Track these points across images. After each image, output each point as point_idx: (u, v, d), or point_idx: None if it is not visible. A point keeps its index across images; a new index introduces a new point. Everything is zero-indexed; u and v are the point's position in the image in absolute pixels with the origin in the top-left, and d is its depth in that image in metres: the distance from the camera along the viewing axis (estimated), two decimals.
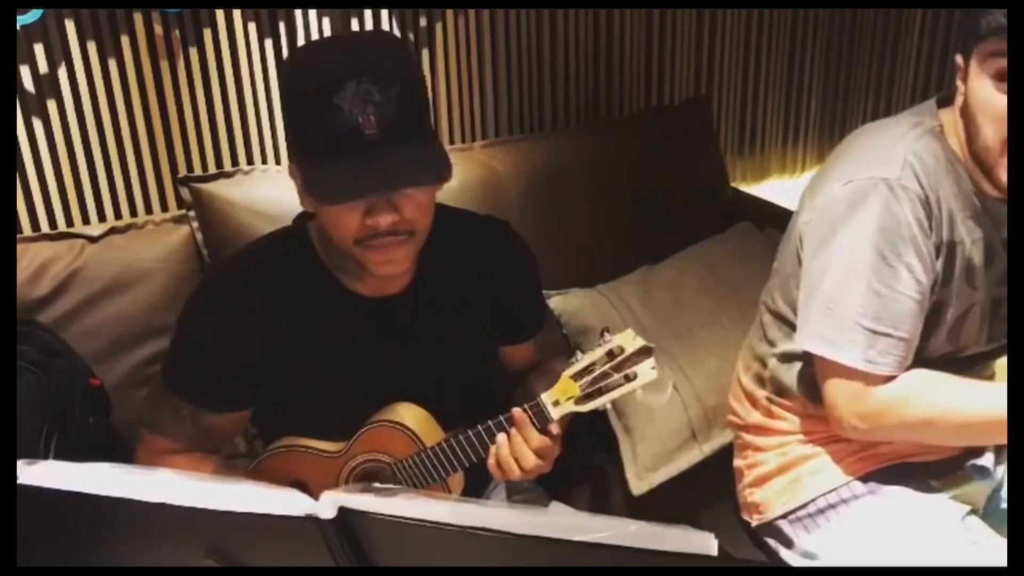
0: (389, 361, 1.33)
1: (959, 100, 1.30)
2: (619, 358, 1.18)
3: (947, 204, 1.31)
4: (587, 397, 1.21)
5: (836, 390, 1.34)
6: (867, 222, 1.29)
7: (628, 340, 1.18)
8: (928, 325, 1.33)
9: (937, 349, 1.37)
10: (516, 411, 1.23)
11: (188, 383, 1.31)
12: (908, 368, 1.32)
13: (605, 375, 1.19)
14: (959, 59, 1.28)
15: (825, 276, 1.33)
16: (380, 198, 1.15)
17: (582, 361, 1.20)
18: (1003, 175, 1.24)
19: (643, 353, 1.18)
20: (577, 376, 1.21)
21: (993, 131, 1.23)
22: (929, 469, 1.44)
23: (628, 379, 1.19)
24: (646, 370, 1.19)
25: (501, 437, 1.24)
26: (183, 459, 1.33)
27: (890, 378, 1.31)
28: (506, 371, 1.50)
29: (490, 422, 1.25)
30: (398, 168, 1.12)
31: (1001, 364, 1.52)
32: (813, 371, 1.39)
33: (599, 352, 1.19)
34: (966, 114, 1.28)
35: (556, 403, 1.22)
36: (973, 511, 1.42)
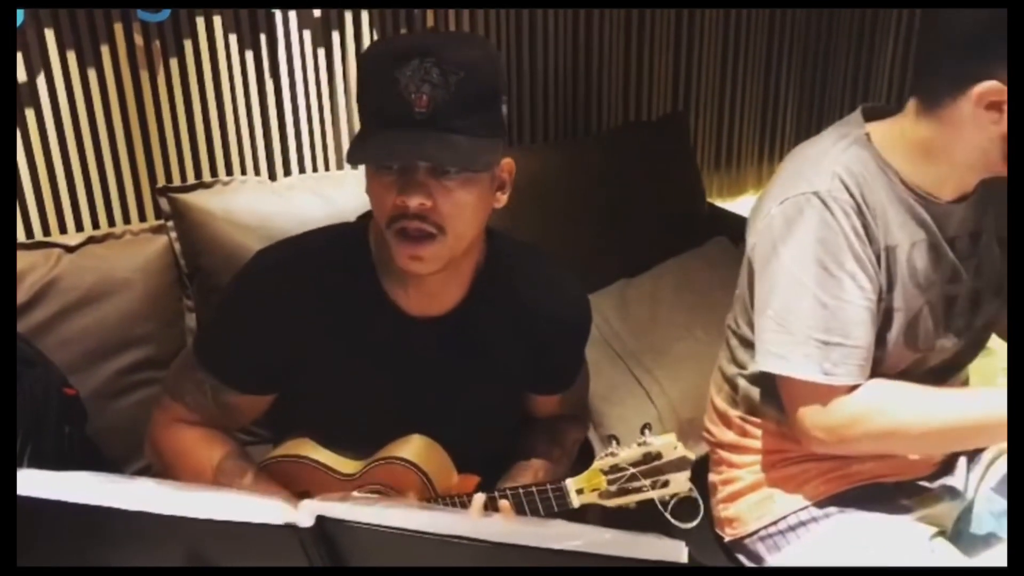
0: (418, 384, 1.31)
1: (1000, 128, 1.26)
2: (655, 463, 1.16)
3: (881, 209, 1.33)
4: (613, 494, 1.18)
5: (799, 406, 1.35)
6: (805, 237, 1.31)
7: (669, 448, 1.16)
8: (881, 331, 1.35)
9: (898, 357, 1.38)
10: (537, 489, 1.22)
11: (215, 357, 1.30)
12: (870, 377, 1.33)
13: (636, 477, 1.16)
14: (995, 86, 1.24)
15: (772, 295, 1.35)
16: (414, 178, 1.14)
17: (617, 458, 1.17)
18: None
19: (681, 463, 1.16)
20: (608, 471, 1.18)
21: (999, 150, 1.25)
22: (901, 489, 1.46)
23: (658, 485, 1.16)
24: (680, 481, 1.16)
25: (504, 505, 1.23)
26: (196, 432, 1.32)
27: (852, 389, 1.32)
28: (527, 417, 1.47)
29: (507, 490, 1.24)
30: (431, 148, 1.12)
31: (976, 367, 1.54)
32: None
33: (636, 452, 1.17)
34: (950, 137, 1.28)
35: (580, 491, 1.20)
36: (941, 532, 1.44)
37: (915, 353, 1.39)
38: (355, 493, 1.30)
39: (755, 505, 1.50)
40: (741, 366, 1.51)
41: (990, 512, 1.50)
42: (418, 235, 1.16)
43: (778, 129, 2.79)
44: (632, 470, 1.17)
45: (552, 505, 1.23)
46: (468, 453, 1.33)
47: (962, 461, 1.53)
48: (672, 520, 1.18)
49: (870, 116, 1.39)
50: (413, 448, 1.29)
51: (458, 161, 1.13)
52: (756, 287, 1.40)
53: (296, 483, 1.31)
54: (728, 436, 1.55)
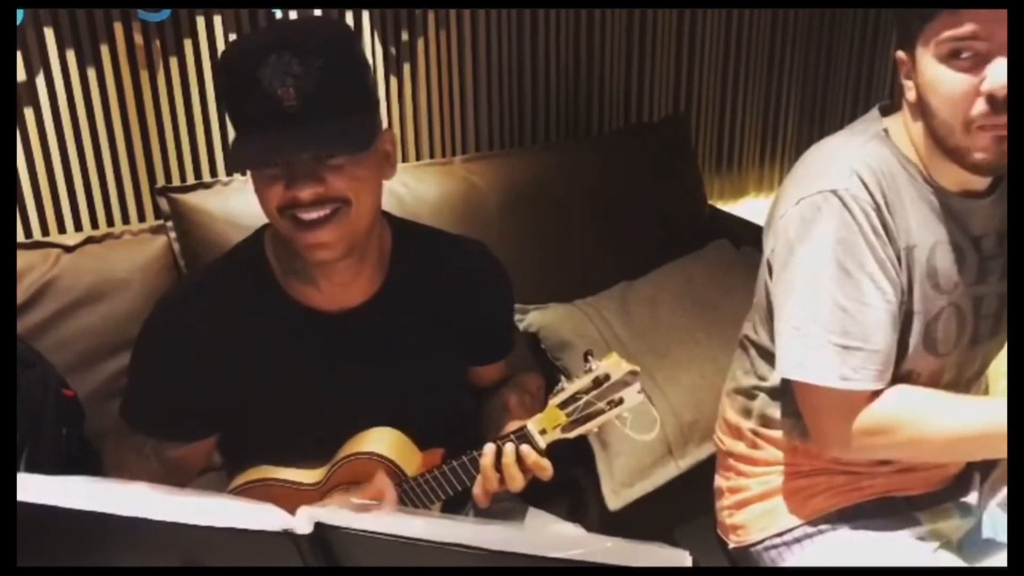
0: (353, 379, 1.30)
1: (910, 96, 1.27)
2: (605, 385, 1.18)
3: (902, 208, 1.29)
4: (573, 424, 1.20)
5: (819, 414, 1.31)
6: (824, 237, 1.26)
7: (614, 367, 1.18)
8: (900, 335, 1.30)
9: (916, 361, 1.33)
10: (500, 439, 1.22)
11: (148, 415, 1.29)
12: (890, 384, 1.29)
13: (591, 403, 1.18)
14: (901, 55, 1.26)
15: (790, 298, 1.30)
16: (301, 169, 1.14)
17: (568, 390, 1.19)
18: (977, 155, 1.20)
19: (629, 378, 1.18)
20: (563, 404, 1.20)
21: (952, 112, 1.19)
22: (911, 503, 1.43)
23: (614, 404, 1.18)
24: (632, 394, 1.18)
25: (488, 461, 1.22)
26: None
27: (873, 397, 1.28)
28: (473, 387, 1.49)
29: (475, 453, 1.24)
30: (312, 137, 1.12)
31: (993, 372, 1.51)
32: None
33: (585, 380, 1.18)
34: (920, 106, 1.25)
35: (543, 431, 1.21)
36: (946, 544, 1.42)
37: (935, 357, 1.34)
38: (329, 499, 1.30)
39: (761, 515, 1.48)
40: (761, 377, 1.46)
41: (993, 527, 1.48)
42: (317, 221, 1.16)
43: (780, 131, 2.78)
44: (586, 397, 1.19)
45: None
46: (424, 430, 1.33)
47: (976, 477, 1.50)
48: (631, 434, 1.22)
49: (887, 112, 1.36)
50: (370, 439, 1.29)
51: (338, 146, 1.13)
52: (773, 292, 1.35)
53: None
54: (739, 447, 1.53)
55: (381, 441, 1.29)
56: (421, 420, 1.32)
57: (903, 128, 1.32)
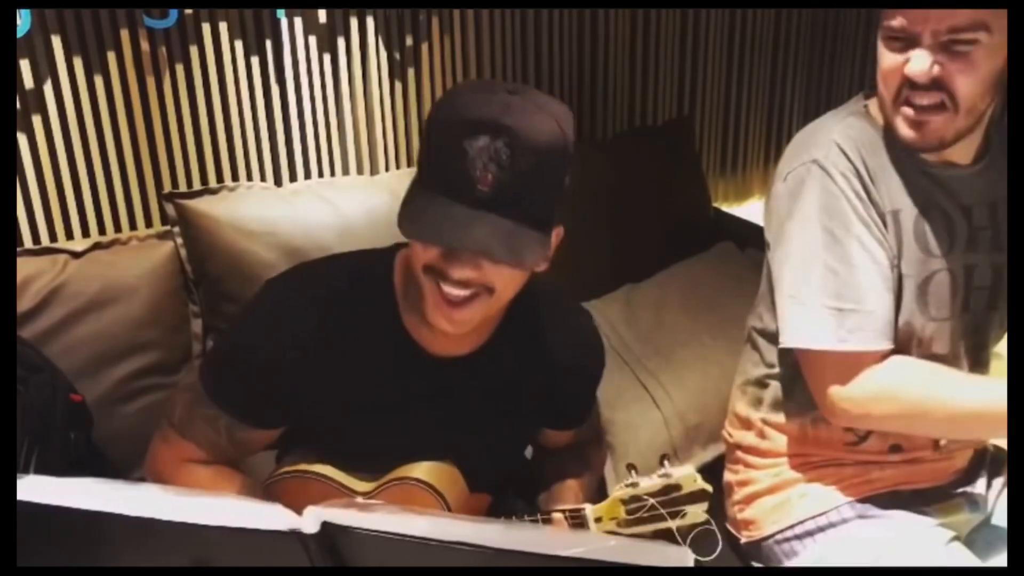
0: (433, 417, 1.29)
1: None
2: (674, 495, 1.17)
3: (883, 174, 1.34)
4: (630, 523, 1.19)
5: (824, 381, 1.34)
6: (809, 205, 1.32)
7: (688, 480, 1.17)
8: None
9: (913, 324, 1.36)
10: (556, 516, 1.22)
11: (230, 395, 1.26)
12: (894, 351, 1.32)
13: (654, 508, 1.17)
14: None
15: (784, 269, 1.35)
16: (462, 255, 1.10)
17: (637, 488, 1.18)
18: (903, 131, 1.30)
19: (699, 496, 1.17)
20: (628, 501, 1.19)
21: (885, 87, 1.31)
22: (920, 496, 1.45)
23: (675, 516, 1.17)
24: (697, 512, 1.17)
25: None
26: (207, 472, 1.29)
27: (878, 361, 1.31)
28: (539, 446, 1.48)
29: (527, 519, 1.23)
30: (484, 236, 1.07)
31: (997, 367, 1.52)
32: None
33: (656, 484, 1.17)
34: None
35: (599, 520, 1.20)
36: (956, 537, 1.43)
37: (930, 321, 1.37)
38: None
39: (772, 508, 1.49)
40: (770, 365, 1.49)
41: (1005, 525, 1.49)
42: (456, 300, 1.13)
43: (784, 133, 2.78)
44: (651, 500, 1.17)
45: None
46: (479, 475, 1.33)
47: (983, 473, 1.52)
48: (692, 553, 1.19)
49: (869, 97, 1.42)
50: (426, 469, 1.28)
51: (509, 255, 1.09)
52: (772, 268, 1.40)
53: (306, 499, 1.28)
54: (748, 439, 1.54)
55: (436, 473, 1.28)
56: (479, 465, 1.31)
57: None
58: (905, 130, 1.30)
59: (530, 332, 1.32)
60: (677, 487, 1.17)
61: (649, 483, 1.18)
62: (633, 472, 1.21)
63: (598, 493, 1.26)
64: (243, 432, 1.28)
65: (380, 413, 1.28)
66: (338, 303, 1.24)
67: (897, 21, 1.26)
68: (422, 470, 1.28)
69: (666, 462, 1.20)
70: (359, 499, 1.30)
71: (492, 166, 1.05)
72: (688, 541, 1.19)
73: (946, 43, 1.23)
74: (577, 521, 1.21)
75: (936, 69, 1.24)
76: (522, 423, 1.38)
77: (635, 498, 1.18)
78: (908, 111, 1.29)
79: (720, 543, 1.19)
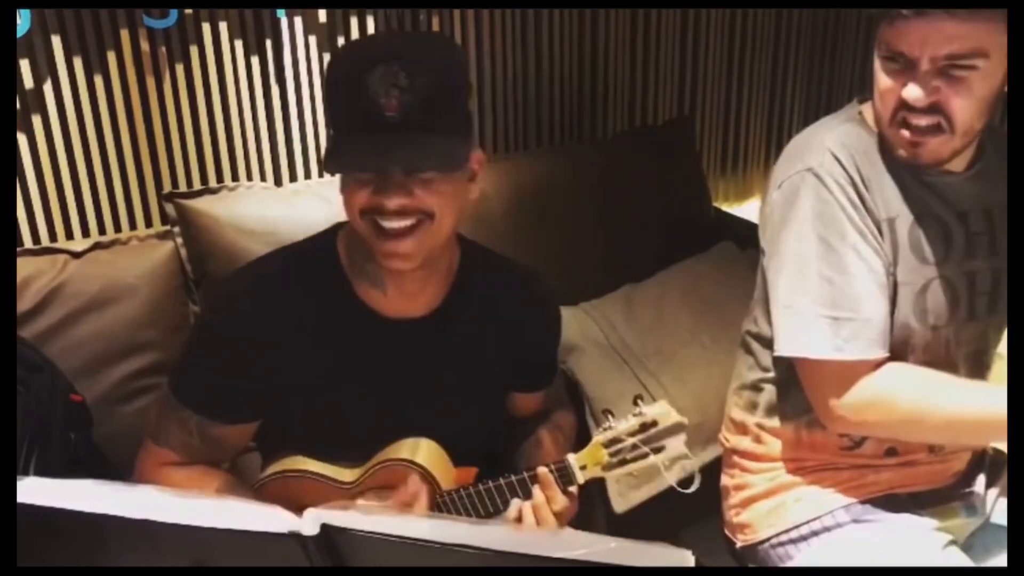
0: (403, 387, 1.32)
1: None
2: (651, 431, 1.19)
3: (878, 181, 1.33)
4: (614, 464, 1.21)
5: (820, 388, 1.34)
6: (804, 213, 1.31)
7: (663, 414, 1.19)
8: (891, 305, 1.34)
9: (910, 332, 1.36)
10: (541, 470, 1.24)
11: (197, 392, 1.29)
12: (890, 358, 1.32)
13: (635, 446, 1.20)
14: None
15: (779, 277, 1.35)
16: (391, 178, 1.16)
17: (614, 430, 1.20)
18: (898, 150, 1.30)
19: (676, 428, 1.19)
20: (608, 444, 1.21)
21: (881, 106, 1.30)
22: (916, 500, 1.44)
23: (657, 451, 1.19)
24: (676, 445, 1.19)
25: (518, 501, 1.25)
26: (186, 473, 1.31)
27: (874, 370, 1.30)
28: (509, 416, 1.49)
29: (513, 477, 1.25)
30: (408, 150, 1.14)
31: (999, 367, 1.51)
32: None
33: (632, 423, 1.20)
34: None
35: (583, 467, 1.22)
36: (953, 542, 1.42)
37: (928, 330, 1.37)
38: (360, 501, 1.31)
39: (768, 512, 1.49)
40: (765, 369, 1.49)
41: (1003, 528, 1.48)
42: (398, 231, 1.18)
43: (784, 133, 2.78)
44: (631, 440, 1.19)
45: (558, 483, 1.24)
46: (461, 448, 1.34)
47: (981, 475, 1.51)
48: (675, 486, 1.25)
49: (864, 102, 1.41)
50: (409, 447, 1.30)
51: (431, 163, 1.16)
52: (767, 275, 1.40)
53: (297, 497, 1.30)
54: (744, 443, 1.54)
55: (419, 450, 1.30)
56: (460, 437, 1.33)
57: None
58: (901, 149, 1.31)
59: (483, 292, 1.36)
60: (653, 423, 1.19)
61: (625, 424, 1.20)
62: (610, 416, 1.23)
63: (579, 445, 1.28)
64: (214, 429, 1.30)
65: (348, 388, 1.30)
66: (288, 288, 1.28)
67: (895, 45, 1.25)
68: (405, 449, 1.30)
69: (640, 402, 1.21)
70: (350, 491, 1.31)
71: (394, 91, 1.13)
72: (669, 471, 1.22)
73: (944, 68, 1.23)
74: (562, 471, 1.23)
75: (933, 94, 1.24)
76: (488, 386, 1.40)
77: (614, 440, 1.20)
78: (904, 133, 1.28)
79: (698, 478, 1.25)
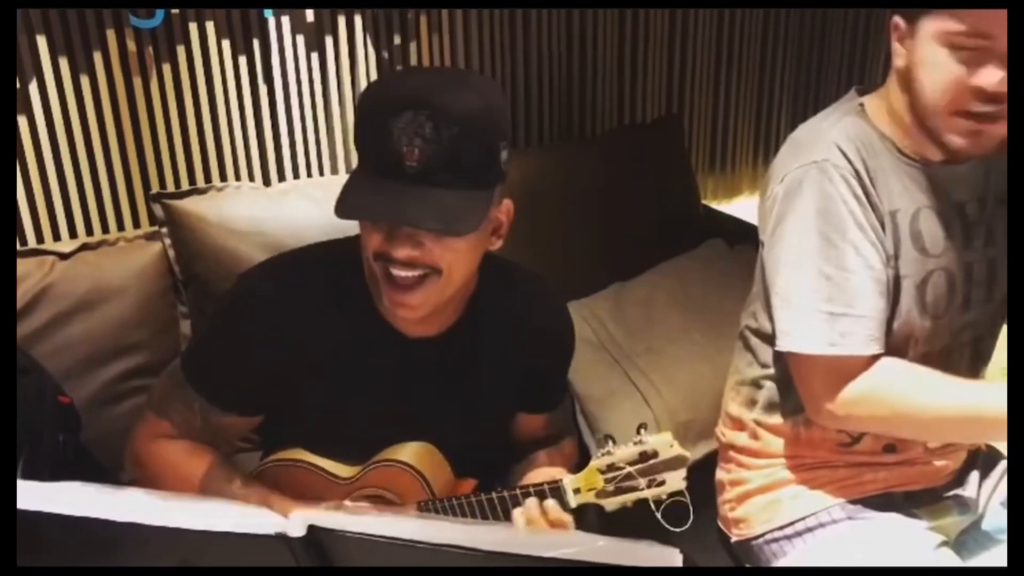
0: (412, 398, 1.31)
1: (899, 62, 1.30)
2: (651, 461, 1.16)
3: (882, 175, 1.33)
4: (609, 492, 1.19)
5: (812, 383, 1.34)
6: (805, 208, 1.31)
7: (664, 446, 1.16)
8: (892, 299, 1.34)
9: (913, 325, 1.36)
10: (535, 489, 1.22)
11: (206, 377, 1.29)
12: (886, 353, 1.31)
13: (632, 476, 1.17)
14: (898, 20, 1.29)
15: (778, 271, 1.35)
16: (401, 228, 1.13)
17: (613, 456, 1.18)
18: (954, 140, 1.26)
19: (677, 462, 1.16)
20: (604, 469, 1.18)
21: (939, 94, 1.25)
22: (911, 499, 1.45)
23: (654, 484, 1.16)
24: (676, 480, 1.16)
25: (517, 513, 1.23)
26: (179, 445, 1.31)
27: (867, 365, 1.30)
28: (513, 438, 1.48)
29: (506, 492, 1.24)
30: (414, 208, 1.10)
31: (995, 365, 1.52)
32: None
33: (632, 451, 1.17)
34: (907, 77, 1.29)
35: (577, 491, 1.20)
36: (946, 543, 1.43)
37: (928, 321, 1.37)
38: (348, 501, 1.31)
39: (763, 508, 1.49)
40: (765, 365, 1.49)
41: (997, 527, 1.49)
42: (406, 283, 1.16)
43: (772, 131, 2.79)
44: (628, 468, 1.17)
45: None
46: (463, 459, 1.34)
47: (974, 474, 1.52)
48: (663, 523, 1.19)
49: (863, 93, 1.41)
50: (410, 451, 1.30)
51: (440, 224, 1.11)
52: (766, 270, 1.40)
53: (292, 487, 1.31)
54: (740, 439, 1.54)
55: (419, 456, 1.29)
56: (462, 449, 1.33)
57: (880, 102, 1.36)
58: (956, 139, 1.26)
59: (500, 312, 1.34)
60: (654, 453, 1.16)
61: (625, 451, 1.17)
62: (610, 442, 1.20)
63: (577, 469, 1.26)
64: (218, 417, 1.30)
65: (358, 397, 1.29)
66: (311, 291, 1.27)
67: (982, 26, 1.18)
68: (406, 453, 1.29)
69: (643, 430, 1.18)
70: (345, 486, 1.31)
71: (417, 140, 1.09)
72: (662, 511, 1.18)
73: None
74: (555, 493, 1.20)
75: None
76: (497, 404, 1.39)
77: (612, 466, 1.18)
78: (964, 122, 1.24)
79: (692, 515, 1.19)
